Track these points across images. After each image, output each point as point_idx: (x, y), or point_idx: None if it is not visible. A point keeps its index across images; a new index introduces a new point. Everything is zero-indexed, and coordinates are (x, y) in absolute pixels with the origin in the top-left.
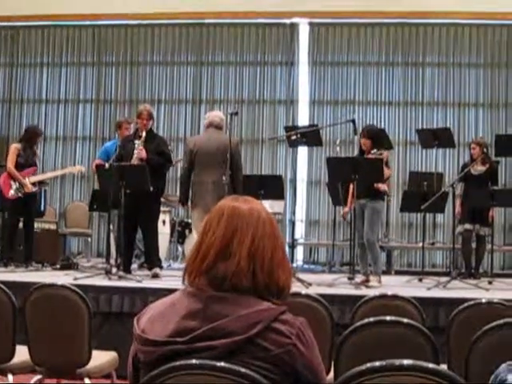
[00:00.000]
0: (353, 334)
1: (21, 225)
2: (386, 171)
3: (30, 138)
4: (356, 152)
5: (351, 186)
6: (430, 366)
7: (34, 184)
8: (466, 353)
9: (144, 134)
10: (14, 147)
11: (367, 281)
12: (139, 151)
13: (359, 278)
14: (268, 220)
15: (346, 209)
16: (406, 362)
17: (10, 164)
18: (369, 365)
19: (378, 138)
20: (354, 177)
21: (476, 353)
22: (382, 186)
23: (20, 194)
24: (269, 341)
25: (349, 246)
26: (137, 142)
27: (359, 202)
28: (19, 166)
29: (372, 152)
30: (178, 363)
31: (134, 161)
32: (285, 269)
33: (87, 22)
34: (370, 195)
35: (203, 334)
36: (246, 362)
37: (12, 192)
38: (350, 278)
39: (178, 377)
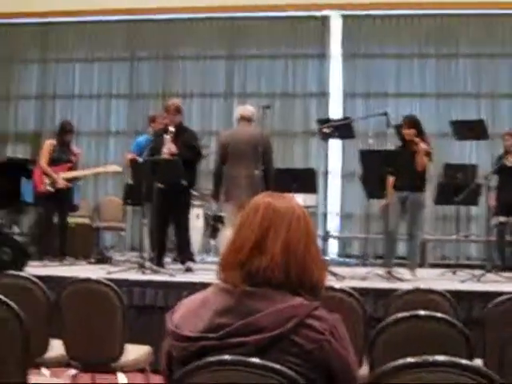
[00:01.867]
0: (386, 329)
1: (56, 219)
2: (425, 160)
3: (60, 133)
4: (390, 145)
5: (390, 179)
6: (464, 362)
7: (66, 180)
8: (501, 347)
9: (171, 128)
10: (48, 143)
11: (391, 274)
12: (168, 147)
13: (395, 271)
14: (302, 216)
15: (383, 202)
16: (439, 357)
17: (42, 160)
18: (402, 361)
19: (420, 126)
20: (387, 169)
21: (511, 347)
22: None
23: (52, 189)
24: (302, 337)
25: (383, 239)
26: (166, 136)
27: (401, 194)
28: (53, 162)
29: (416, 140)
30: (210, 359)
31: (164, 155)
32: (318, 265)
33: (119, 17)
34: (411, 187)
35: (236, 329)
36: (279, 358)
37: (43, 186)
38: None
39: (211, 372)
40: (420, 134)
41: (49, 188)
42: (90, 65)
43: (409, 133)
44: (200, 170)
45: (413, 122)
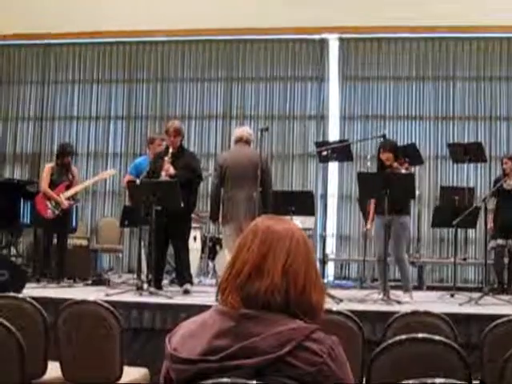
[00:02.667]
0: (384, 352)
1: (54, 241)
2: None
3: (59, 155)
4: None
5: (371, 204)
6: None
7: (68, 199)
8: (499, 370)
9: (171, 150)
10: (48, 167)
11: (388, 297)
12: (166, 169)
13: (392, 294)
14: (302, 239)
15: (369, 225)
16: (438, 380)
17: (44, 185)
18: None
19: (397, 150)
20: (385, 192)
21: (509, 370)
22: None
23: (58, 212)
24: (300, 359)
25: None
26: (166, 158)
27: (385, 217)
28: (53, 185)
29: (394, 165)
30: (209, 382)
31: (163, 177)
32: (318, 288)
33: (118, 39)
34: (397, 210)
35: (235, 352)
36: (278, 381)
37: (49, 211)
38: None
39: None
40: (397, 157)
41: (54, 211)
42: (88, 86)
43: (388, 157)
44: (199, 192)
45: (389, 146)
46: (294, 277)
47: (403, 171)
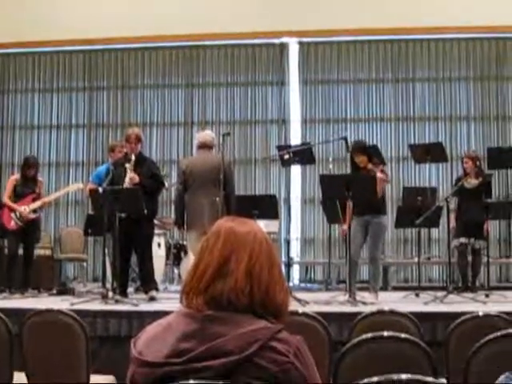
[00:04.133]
0: (350, 351)
1: (20, 251)
2: (384, 183)
3: (23, 168)
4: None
5: (348, 204)
6: (428, 379)
7: (34, 211)
8: (464, 366)
9: (133, 157)
10: (11, 179)
11: (354, 298)
12: (131, 177)
13: (358, 295)
14: (264, 240)
15: (345, 226)
16: (404, 376)
17: (6, 197)
18: (367, 380)
19: (369, 151)
20: (347, 194)
21: (474, 366)
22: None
23: (20, 223)
24: (266, 359)
25: (345, 264)
26: (127, 165)
27: (362, 218)
28: (18, 196)
29: (369, 167)
30: None
31: (126, 185)
32: (282, 288)
33: (77, 47)
34: (373, 211)
35: (200, 354)
36: (244, 382)
37: (13, 223)
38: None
39: None
40: (371, 158)
41: (18, 222)
42: (49, 95)
43: (362, 160)
44: (160, 199)
45: (363, 149)
46: (257, 277)
47: (378, 174)
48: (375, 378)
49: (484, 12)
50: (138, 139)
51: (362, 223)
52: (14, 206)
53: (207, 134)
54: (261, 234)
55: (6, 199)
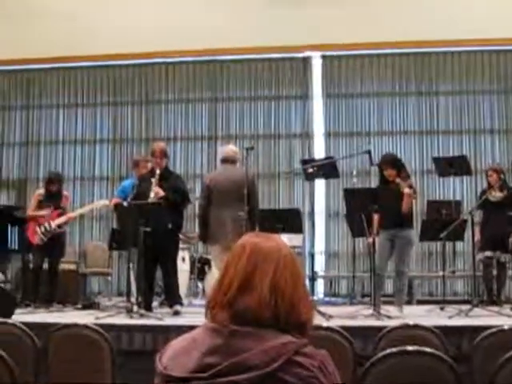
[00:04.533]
0: (375, 365)
1: (45, 266)
2: (412, 198)
3: (45, 183)
4: (374, 183)
5: (375, 216)
6: None
7: (59, 226)
8: (490, 381)
9: (158, 171)
10: (36, 194)
11: (378, 312)
12: (156, 191)
13: (383, 309)
14: (289, 256)
15: (370, 239)
16: None
17: (30, 210)
18: None
19: (399, 164)
20: (371, 207)
21: (500, 380)
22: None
23: (45, 239)
24: (291, 374)
25: (369, 277)
26: (153, 179)
27: (388, 232)
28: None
29: (397, 181)
30: None
31: (151, 199)
32: (306, 303)
33: (102, 63)
34: (400, 224)
35: (225, 369)
36: None
37: (38, 237)
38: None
39: None
40: (399, 172)
41: (43, 238)
42: (73, 110)
43: (390, 174)
44: (185, 213)
45: (392, 162)
46: (282, 292)
47: (406, 190)
48: None
49: (508, 24)
50: (164, 154)
51: (389, 237)
52: (38, 213)
53: (230, 149)
54: (286, 249)
55: (30, 212)
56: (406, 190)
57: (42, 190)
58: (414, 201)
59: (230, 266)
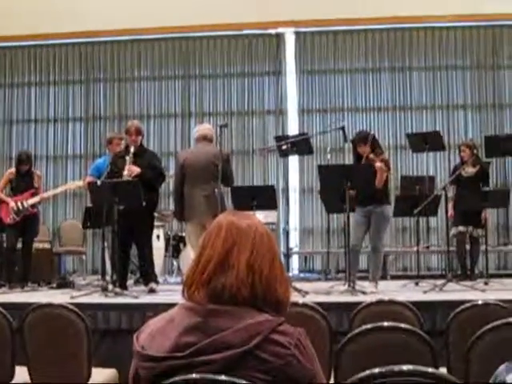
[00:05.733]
0: (351, 342)
1: (19, 245)
2: (384, 173)
3: (16, 164)
4: (348, 159)
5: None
6: (429, 370)
7: (32, 206)
8: (464, 355)
9: (132, 149)
10: (7, 173)
11: (353, 287)
12: (131, 169)
13: (357, 285)
14: (266, 234)
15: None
16: (405, 367)
17: None
18: (368, 371)
19: (373, 141)
20: (346, 184)
21: (475, 354)
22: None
23: (17, 218)
24: (268, 352)
25: (344, 253)
26: (127, 157)
27: (364, 208)
28: (15, 191)
29: (370, 157)
30: (178, 378)
31: (125, 177)
32: (283, 282)
33: (74, 40)
34: (375, 201)
35: (203, 348)
36: (247, 375)
37: (10, 217)
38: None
39: None
40: (374, 149)
41: (15, 217)
42: (45, 88)
43: (364, 150)
44: (160, 191)
45: (365, 139)
46: (258, 271)
47: (377, 164)
48: (377, 370)
49: (479, 0)
50: (138, 131)
51: (365, 213)
52: (5, 198)
53: (206, 128)
54: (262, 228)
55: None
56: (378, 165)
57: (13, 169)
58: (389, 176)
59: (207, 245)
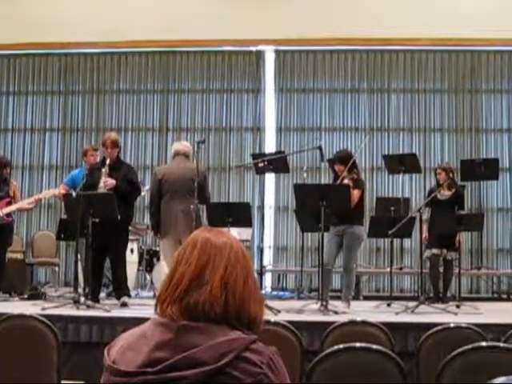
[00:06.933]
0: (322, 361)
1: None
2: (356, 193)
3: None
4: (324, 178)
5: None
6: None
7: (8, 215)
8: (435, 378)
9: (108, 162)
10: None
11: (325, 307)
12: (107, 181)
13: (330, 304)
14: (241, 252)
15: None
16: None
17: None
18: None
19: (349, 160)
20: (321, 203)
21: (445, 377)
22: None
23: None
24: (239, 370)
25: (317, 272)
26: (103, 170)
27: (337, 227)
28: None
29: (344, 175)
30: None
31: (101, 189)
32: (256, 301)
33: (53, 51)
34: (347, 221)
35: (174, 364)
36: None
37: None
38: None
39: None
40: (350, 168)
41: None
42: (23, 98)
43: (339, 169)
44: (135, 205)
45: (340, 158)
46: (232, 288)
47: (346, 181)
48: None
49: (458, 24)
50: (114, 144)
51: (338, 233)
52: None
53: (183, 144)
54: (237, 245)
55: None
56: (345, 181)
57: None
58: (363, 196)
59: (181, 260)
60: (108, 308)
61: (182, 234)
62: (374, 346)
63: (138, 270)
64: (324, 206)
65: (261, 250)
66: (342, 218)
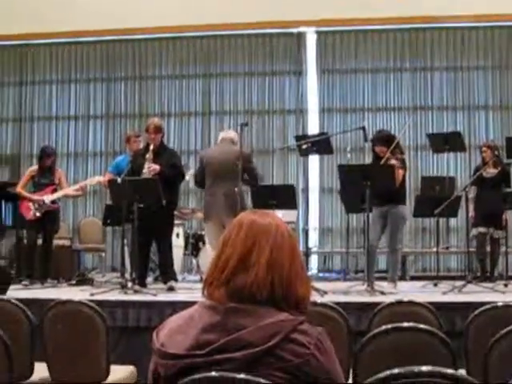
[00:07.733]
0: (370, 342)
1: (39, 241)
2: (401, 172)
3: (40, 158)
4: (368, 159)
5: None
6: (449, 371)
7: (53, 202)
8: (484, 357)
9: (152, 147)
10: (29, 170)
11: (372, 287)
12: (151, 167)
13: (376, 285)
14: (286, 233)
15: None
16: (424, 368)
17: (19, 186)
18: (388, 372)
19: (391, 140)
20: (365, 183)
21: (494, 356)
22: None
23: (39, 214)
24: (288, 351)
25: (363, 253)
26: (147, 155)
27: (381, 208)
28: (36, 187)
29: (387, 156)
30: (197, 376)
31: (145, 175)
32: (303, 280)
33: (95, 38)
34: (392, 201)
35: (222, 346)
36: (266, 374)
37: (31, 213)
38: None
39: None
40: (393, 148)
41: (36, 213)
42: (66, 86)
43: (381, 150)
44: (180, 189)
45: (383, 138)
46: (279, 270)
47: (393, 161)
48: (396, 370)
49: (502, 0)
50: (158, 129)
51: (382, 213)
52: (27, 195)
53: (230, 133)
54: (283, 227)
55: (18, 189)
56: (392, 161)
57: (35, 167)
58: (405, 176)
59: (227, 243)
60: (155, 292)
61: (225, 218)
62: (422, 326)
63: (184, 254)
64: (368, 187)
65: (306, 232)
66: (385, 198)
